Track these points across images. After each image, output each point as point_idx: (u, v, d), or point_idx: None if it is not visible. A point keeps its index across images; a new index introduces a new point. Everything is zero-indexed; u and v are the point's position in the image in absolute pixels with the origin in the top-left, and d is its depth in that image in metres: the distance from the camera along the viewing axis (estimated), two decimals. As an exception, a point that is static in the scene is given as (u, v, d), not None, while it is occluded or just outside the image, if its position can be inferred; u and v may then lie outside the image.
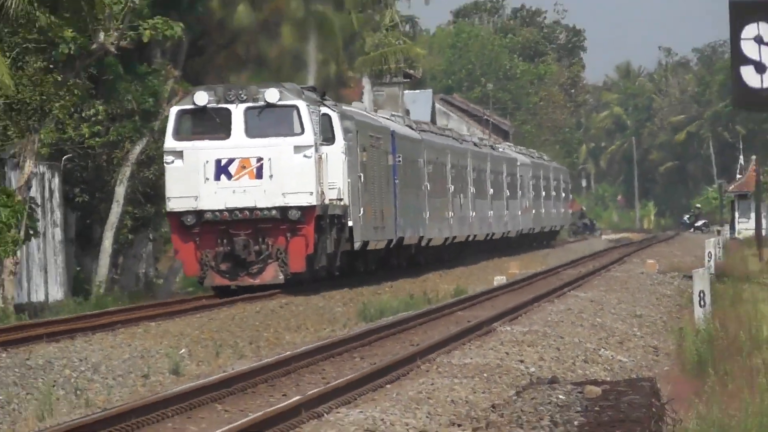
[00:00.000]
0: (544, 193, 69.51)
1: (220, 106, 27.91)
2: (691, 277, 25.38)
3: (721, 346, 18.36)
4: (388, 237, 36.94)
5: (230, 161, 27.61)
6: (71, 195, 36.21)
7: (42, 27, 29.00)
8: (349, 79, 59.48)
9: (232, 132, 27.77)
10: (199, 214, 27.44)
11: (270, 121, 28.04)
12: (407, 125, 43.63)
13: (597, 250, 63.75)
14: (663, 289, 34.55)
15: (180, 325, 21.40)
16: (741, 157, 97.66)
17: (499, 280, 36.39)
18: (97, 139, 35.11)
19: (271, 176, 27.58)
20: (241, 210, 27.39)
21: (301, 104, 27.92)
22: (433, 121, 74.19)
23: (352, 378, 13.65)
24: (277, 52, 46.73)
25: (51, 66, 30.10)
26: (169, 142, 27.98)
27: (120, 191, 35.65)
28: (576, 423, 10.03)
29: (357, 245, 32.80)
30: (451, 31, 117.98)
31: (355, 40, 59.31)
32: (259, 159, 27.61)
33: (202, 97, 27.78)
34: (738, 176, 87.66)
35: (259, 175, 27.62)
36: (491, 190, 55.39)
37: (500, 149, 63.16)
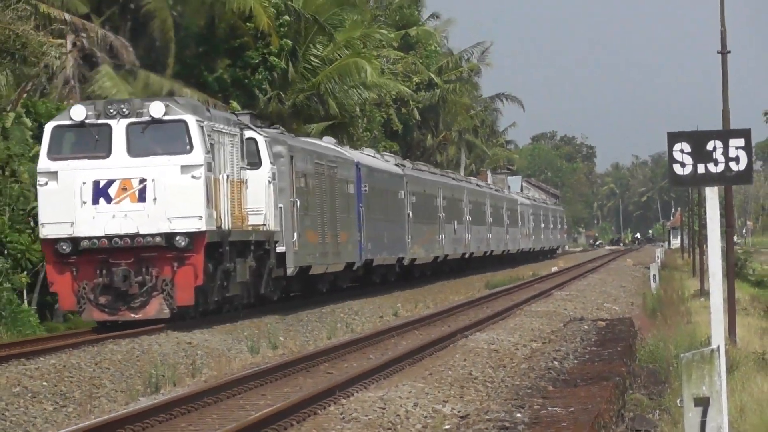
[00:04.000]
0: (543, 224, 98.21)
1: (99, 121, 25.03)
2: (649, 267, 52.82)
3: (664, 301, 37.68)
4: (347, 260, 39.16)
5: (110, 183, 24.79)
6: None
7: None
8: (481, 172, 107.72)
9: (113, 150, 24.90)
10: (75, 241, 24.65)
11: (155, 138, 25.20)
12: (387, 161, 48.78)
13: (600, 255, 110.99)
14: (635, 273, 66.18)
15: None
16: (673, 209, 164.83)
17: (554, 269, 71.28)
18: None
19: (155, 199, 24.76)
20: (122, 237, 24.58)
21: (190, 119, 25.02)
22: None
23: (486, 316, 32.74)
24: (444, 158, 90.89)
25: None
26: (43, 162, 25.09)
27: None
28: (593, 339, 24.63)
29: (290, 271, 32.45)
30: (531, 146, 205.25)
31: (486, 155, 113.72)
32: (142, 180, 24.78)
33: (79, 112, 24.96)
34: (671, 218, 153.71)
35: (141, 198, 24.80)
36: (490, 219, 70.93)
37: (504, 192, 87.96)
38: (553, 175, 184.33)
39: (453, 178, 64.57)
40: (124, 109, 24.97)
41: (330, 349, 24.02)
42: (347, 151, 42.90)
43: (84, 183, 24.82)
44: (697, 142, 10.64)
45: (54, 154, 25.16)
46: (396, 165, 49.91)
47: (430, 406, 15.19)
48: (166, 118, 25.03)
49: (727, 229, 24.24)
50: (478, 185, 72.33)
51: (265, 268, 30.39)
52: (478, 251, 66.15)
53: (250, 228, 29.38)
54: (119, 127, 25.00)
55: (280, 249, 31.72)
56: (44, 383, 17.69)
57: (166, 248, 24.89)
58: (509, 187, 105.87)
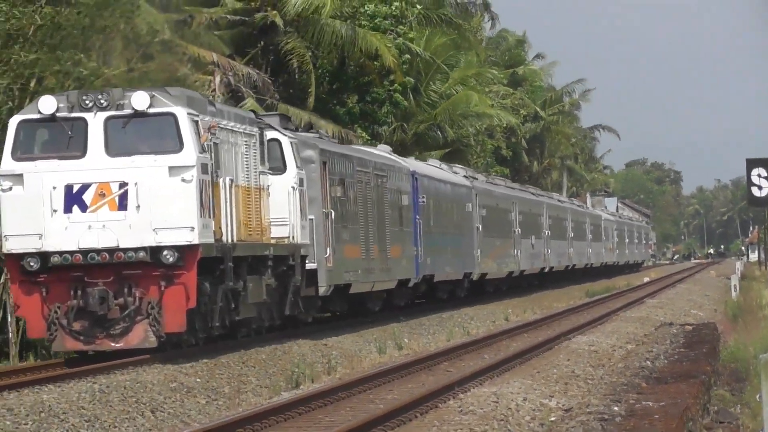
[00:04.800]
0: (627, 240, 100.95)
1: (73, 114, 21.38)
2: (730, 278, 57.65)
3: (743, 308, 41.81)
4: (400, 276, 36.84)
5: (85, 187, 21.16)
6: None
7: None
8: (580, 194, 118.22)
9: (89, 148, 21.26)
10: (44, 256, 21.08)
11: (139, 135, 21.60)
12: (455, 173, 47.80)
13: (686, 268, 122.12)
14: (718, 283, 72.21)
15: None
16: (751, 227, 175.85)
17: (645, 279, 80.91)
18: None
19: (138, 207, 21.17)
20: (99, 252, 20.92)
21: (180, 112, 21.24)
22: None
23: (586, 321, 37.63)
24: (548, 182, 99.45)
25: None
26: (7, 163, 21.38)
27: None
28: (681, 341, 28.65)
29: (323, 290, 29.39)
30: (625, 171, 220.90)
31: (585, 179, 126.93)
32: (123, 184, 21.15)
33: (49, 104, 21.22)
34: (749, 235, 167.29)
35: (122, 205, 21.18)
36: (572, 234, 71.50)
37: (587, 208, 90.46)
38: (645, 197, 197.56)
39: (532, 193, 64.94)
40: (102, 101, 21.23)
41: (449, 350, 27.94)
42: (402, 160, 40.55)
43: (54, 188, 21.25)
44: None
45: (20, 153, 21.56)
46: (465, 177, 48.56)
47: (538, 400, 17.98)
48: (152, 110, 21.33)
49: None
50: (559, 200, 74.70)
51: (289, 286, 27.12)
52: (558, 265, 66.44)
53: (273, 241, 26.37)
54: (96, 122, 21.31)
55: (310, 265, 28.49)
56: (197, 379, 20.05)
57: (151, 265, 21.32)
58: (606, 207, 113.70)
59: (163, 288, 21.17)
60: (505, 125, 77.81)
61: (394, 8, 53.77)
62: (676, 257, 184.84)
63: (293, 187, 27.27)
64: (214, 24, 46.19)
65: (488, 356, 27.15)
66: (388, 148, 42.14)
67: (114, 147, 21.32)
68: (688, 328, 33.63)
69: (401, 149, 47.61)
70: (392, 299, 38.03)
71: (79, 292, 21.07)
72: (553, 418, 16.19)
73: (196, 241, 21.18)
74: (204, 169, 21.84)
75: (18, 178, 21.29)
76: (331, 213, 30.59)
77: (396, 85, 53.01)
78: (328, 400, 18.57)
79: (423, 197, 39.98)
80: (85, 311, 21.00)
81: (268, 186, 26.54)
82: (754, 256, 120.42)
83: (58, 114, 21.37)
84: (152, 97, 21.42)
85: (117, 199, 21.12)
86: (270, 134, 27.22)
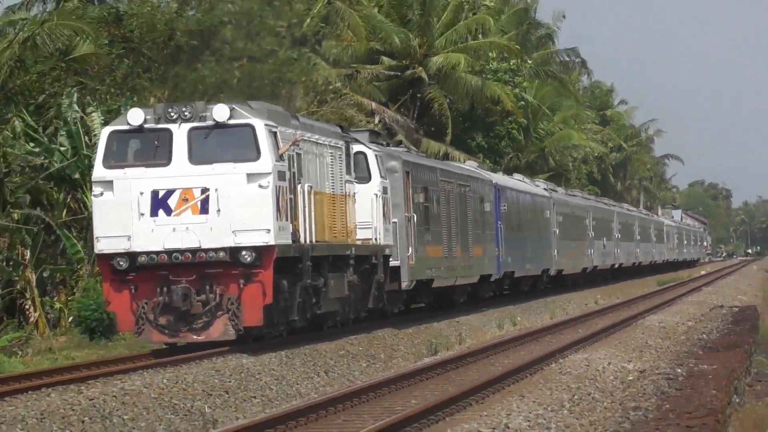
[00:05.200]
0: (685, 241, 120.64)
1: (159, 126, 22.81)
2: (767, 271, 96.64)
3: None
4: (482, 272, 41.37)
5: (169, 193, 22.54)
6: None
7: None
8: (653, 207, 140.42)
9: (174, 157, 22.66)
10: (132, 256, 22.48)
11: (219, 144, 22.94)
12: (537, 185, 54.74)
13: (734, 263, 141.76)
14: (759, 275, 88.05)
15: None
16: None
17: (702, 272, 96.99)
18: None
19: (218, 210, 22.44)
20: (183, 252, 22.28)
21: (258, 123, 22.60)
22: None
23: (656, 304, 47.21)
24: (629, 199, 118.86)
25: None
26: (99, 171, 22.90)
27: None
28: (729, 320, 37.02)
29: (405, 284, 32.16)
30: (688, 189, 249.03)
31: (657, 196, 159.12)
32: (204, 190, 22.49)
33: (137, 116, 22.76)
34: None
35: (204, 209, 22.50)
36: (638, 237, 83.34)
37: (651, 216, 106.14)
38: (704, 209, 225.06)
39: (605, 203, 75.02)
40: (186, 113, 22.69)
41: (551, 326, 36.30)
42: (485, 173, 45.53)
43: (142, 193, 22.62)
44: None
45: (110, 161, 23.04)
46: (545, 189, 55.20)
47: (620, 364, 23.54)
48: (232, 122, 22.68)
49: None
50: (628, 209, 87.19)
51: (372, 282, 29.42)
52: (627, 262, 76.94)
53: (358, 242, 28.68)
54: (180, 132, 22.74)
55: (394, 263, 30.93)
56: (360, 348, 25.99)
57: (231, 264, 22.55)
58: (672, 216, 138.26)
59: (241, 285, 22.39)
60: (596, 154, 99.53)
61: (511, 64, 67.49)
62: (723, 255, 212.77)
63: (376, 195, 29.71)
64: (374, 77, 57.44)
65: (582, 330, 34.18)
66: (474, 163, 47.69)
67: (196, 155, 22.69)
68: (734, 309, 42.71)
69: (514, 173, 56.97)
70: (477, 292, 42.23)
71: (165, 290, 22.34)
72: (630, 378, 21.37)
73: (272, 242, 22.41)
74: (281, 176, 23.15)
75: (108, 184, 22.74)
76: (414, 217, 33.18)
77: (513, 124, 67.44)
78: (459, 364, 24.39)
79: (504, 205, 44.89)
80: (169, 307, 22.31)
81: (354, 193, 28.83)
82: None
83: (145, 125, 22.84)
84: (232, 109, 22.78)
85: (199, 203, 22.46)
86: (356, 147, 29.52)
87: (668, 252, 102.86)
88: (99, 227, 23.00)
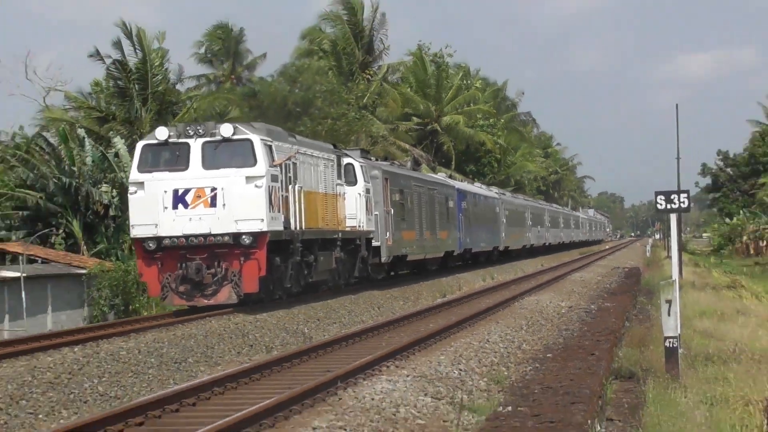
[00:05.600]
0: (595, 228, 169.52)
1: (180, 140, 28.91)
2: (646, 246, 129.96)
3: (652, 260, 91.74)
4: (447, 249, 54.68)
5: (187, 191, 28.47)
6: None
7: None
8: (577, 208, 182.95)
9: (190, 164, 28.68)
10: (159, 240, 28.50)
11: (225, 154, 28.77)
12: (490, 191, 72.87)
13: (627, 242, 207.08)
14: (640, 249, 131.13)
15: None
16: (656, 221, 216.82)
17: (606, 247, 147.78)
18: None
19: (224, 205, 28.32)
20: (197, 236, 28.32)
21: (255, 138, 28.77)
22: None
23: (579, 265, 72.85)
24: (564, 204, 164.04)
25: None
26: (134, 175, 29.17)
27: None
28: (623, 275, 60.52)
29: (384, 258, 41.61)
30: (598, 197, 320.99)
31: (579, 201, 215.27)
32: (213, 189, 28.39)
33: (163, 133, 29.04)
34: (655, 226, 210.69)
35: (213, 203, 28.34)
36: (562, 225, 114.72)
37: (572, 212, 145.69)
38: (607, 209, 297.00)
39: (539, 203, 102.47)
40: (200, 130, 28.87)
41: (518, 279, 54.77)
42: (450, 181, 60.75)
43: (165, 191, 28.54)
44: (667, 194, 23.57)
45: (142, 167, 29.12)
46: (496, 193, 73.58)
47: (556, 303, 38.17)
48: (235, 137, 28.73)
49: (678, 231, 32.77)
50: (555, 207, 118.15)
51: (357, 258, 38.29)
52: (555, 242, 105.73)
53: (347, 229, 37.09)
54: (196, 145, 28.80)
55: (376, 243, 40.42)
56: (396, 293, 39.95)
57: (233, 245, 28.39)
58: (587, 213, 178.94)
59: (242, 262, 28.50)
60: (542, 176, 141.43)
61: (491, 121, 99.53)
62: (619, 236, 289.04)
63: (360, 194, 38.76)
64: (408, 129, 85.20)
65: (534, 283, 49.39)
66: (443, 174, 65.28)
67: (208, 162, 28.78)
68: (626, 269, 68.55)
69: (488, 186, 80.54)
70: (447, 262, 56.39)
71: (184, 265, 28.51)
72: (563, 311, 35.21)
73: (265, 229, 28.52)
74: (274, 178, 29.23)
75: (141, 185, 28.93)
76: (392, 211, 42.77)
77: (492, 157, 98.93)
78: (458, 302, 38.25)
79: (464, 203, 59.01)
80: (187, 278, 28.53)
81: (344, 193, 37.33)
82: (657, 237, 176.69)
83: (169, 140, 29.09)
84: (236, 127, 29.11)
85: (209, 199, 28.51)
86: (347, 159, 38.22)
87: (583, 234, 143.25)
88: (133, 217, 29.29)
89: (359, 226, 38.31)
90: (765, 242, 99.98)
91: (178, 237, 28.59)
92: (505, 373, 20.75)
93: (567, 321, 31.41)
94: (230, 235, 28.52)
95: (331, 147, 37.76)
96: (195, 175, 28.86)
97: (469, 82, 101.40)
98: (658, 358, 21.86)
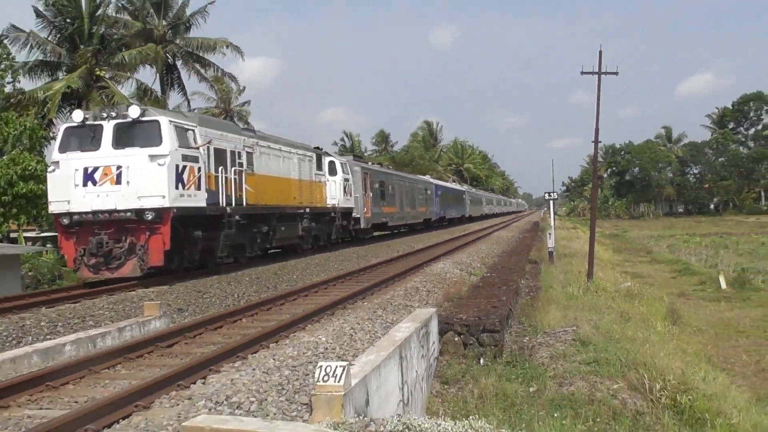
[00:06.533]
0: (518, 206, 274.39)
1: (95, 122, 30.29)
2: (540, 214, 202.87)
3: (544, 220, 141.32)
4: (425, 218, 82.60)
5: (95, 169, 29.67)
6: None
7: None
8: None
9: (102, 144, 29.91)
10: (71, 215, 29.83)
11: (134, 135, 29.93)
12: (460, 186, 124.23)
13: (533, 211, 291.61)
14: (539, 215, 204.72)
15: None
16: None
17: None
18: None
19: (128, 182, 29.35)
20: (103, 212, 29.53)
21: (163, 119, 29.98)
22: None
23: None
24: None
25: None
26: (54, 155, 30.58)
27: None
28: (529, 227, 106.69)
29: (363, 225, 55.54)
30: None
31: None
32: (119, 167, 29.48)
33: (78, 115, 30.60)
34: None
35: (118, 181, 29.44)
36: (496, 203, 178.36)
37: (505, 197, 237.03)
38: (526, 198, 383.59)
39: (486, 192, 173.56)
40: (113, 113, 30.41)
41: (479, 230, 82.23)
42: (430, 179, 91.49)
43: (77, 170, 29.80)
44: (549, 192, 59.54)
45: (63, 148, 30.48)
46: (463, 188, 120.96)
47: (505, 234, 78.50)
48: (144, 119, 30.03)
49: (553, 207, 60.18)
50: (495, 195, 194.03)
51: (333, 226, 49.33)
52: (499, 212, 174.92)
53: (329, 206, 48.04)
54: (108, 126, 30.17)
55: (356, 215, 54.06)
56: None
57: (139, 221, 29.27)
58: (517, 199, 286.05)
59: (147, 236, 29.74)
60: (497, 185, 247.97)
61: (482, 167, 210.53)
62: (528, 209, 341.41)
63: (338, 182, 46.96)
64: (452, 170, 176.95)
65: (490, 229, 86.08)
66: (428, 177, 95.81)
67: (118, 142, 30.01)
68: (532, 222, 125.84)
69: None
70: (429, 225, 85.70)
71: (92, 239, 29.83)
72: (509, 237, 70.57)
73: (167, 205, 29.36)
74: (187, 158, 30.41)
75: (57, 164, 30.33)
76: (370, 195, 57.59)
77: (481, 178, 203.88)
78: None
79: (439, 193, 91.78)
80: (95, 252, 29.83)
81: (326, 181, 47.59)
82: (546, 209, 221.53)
83: (86, 122, 30.57)
84: (144, 109, 30.50)
85: (115, 177, 29.62)
86: (329, 158, 49.29)
87: (509, 207, 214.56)
88: (50, 194, 30.66)
89: (338, 205, 49.32)
90: (585, 211, 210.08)
91: (86, 213, 29.88)
92: (487, 261, 45.98)
93: (509, 241, 67.45)
94: (133, 210, 29.60)
95: (312, 147, 45.45)
96: (104, 155, 30.08)
97: (475, 152, 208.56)
98: (545, 256, 53.49)
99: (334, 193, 48.93)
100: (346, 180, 50.84)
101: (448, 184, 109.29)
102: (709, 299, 46.05)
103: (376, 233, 64.64)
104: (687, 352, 28.08)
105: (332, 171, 49.08)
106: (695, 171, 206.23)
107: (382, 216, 61.28)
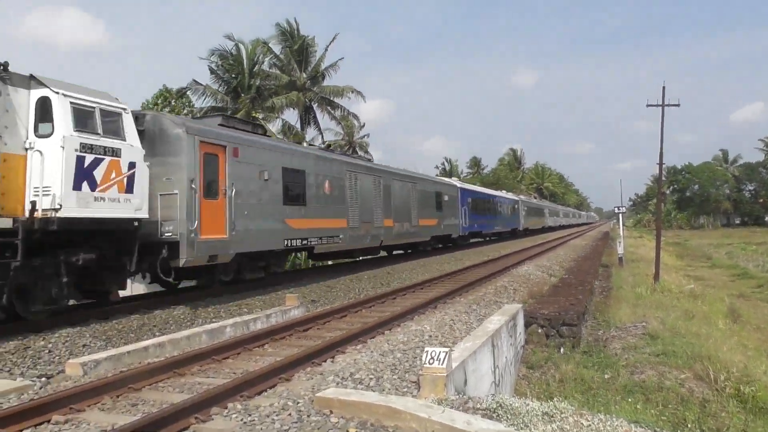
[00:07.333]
0: (589, 218, 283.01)
1: None
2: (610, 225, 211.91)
3: (613, 230, 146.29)
4: (450, 227, 67.74)
5: None
6: None
7: None
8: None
9: None
10: None
11: None
12: (521, 197, 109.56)
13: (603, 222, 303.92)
14: (608, 225, 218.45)
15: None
16: None
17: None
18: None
19: None
20: None
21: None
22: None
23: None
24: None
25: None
26: None
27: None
28: (599, 237, 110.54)
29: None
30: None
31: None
32: None
33: None
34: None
35: None
36: (561, 215, 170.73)
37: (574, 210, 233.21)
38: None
39: (548, 204, 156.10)
40: None
41: (558, 238, 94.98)
42: (457, 183, 75.17)
43: None
44: (618, 206, 64.85)
45: None
46: (512, 195, 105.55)
47: (579, 242, 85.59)
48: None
49: (622, 220, 63.77)
50: (561, 207, 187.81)
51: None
52: (560, 224, 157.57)
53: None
54: None
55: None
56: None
57: None
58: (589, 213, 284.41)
59: None
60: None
61: (558, 184, 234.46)
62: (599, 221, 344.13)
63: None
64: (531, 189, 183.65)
65: (574, 235, 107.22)
66: (455, 180, 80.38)
67: None
68: (603, 232, 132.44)
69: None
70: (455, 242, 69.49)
71: None
72: (583, 245, 75.97)
73: None
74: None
75: None
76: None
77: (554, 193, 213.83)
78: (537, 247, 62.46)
79: (468, 200, 72.27)
80: None
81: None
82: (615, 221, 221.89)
83: None
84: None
85: None
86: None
87: (580, 219, 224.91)
88: None
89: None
90: (650, 222, 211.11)
91: None
92: (564, 265, 49.32)
93: (584, 248, 71.27)
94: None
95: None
96: None
97: (553, 173, 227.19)
98: (615, 261, 57.69)
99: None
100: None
101: (485, 190, 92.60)
102: (767, 300, 48.21)
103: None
104: (748, 347, 30.47)
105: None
106: (750, 188, 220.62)
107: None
